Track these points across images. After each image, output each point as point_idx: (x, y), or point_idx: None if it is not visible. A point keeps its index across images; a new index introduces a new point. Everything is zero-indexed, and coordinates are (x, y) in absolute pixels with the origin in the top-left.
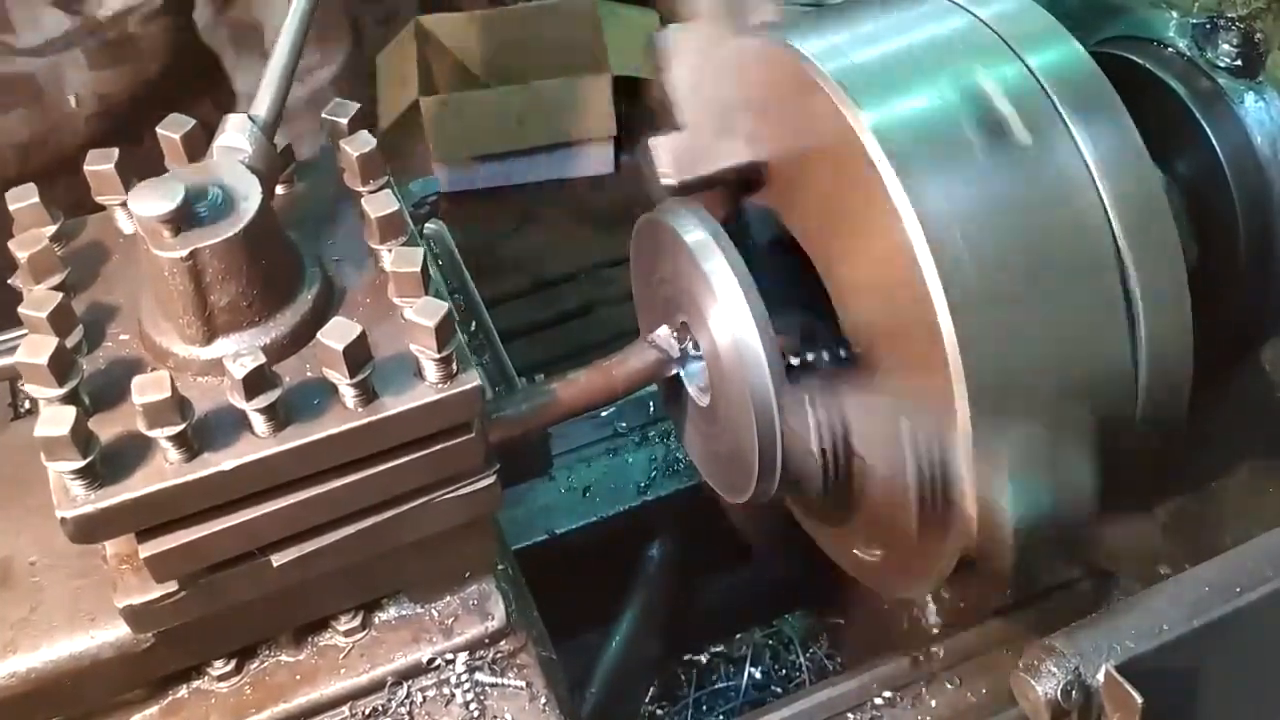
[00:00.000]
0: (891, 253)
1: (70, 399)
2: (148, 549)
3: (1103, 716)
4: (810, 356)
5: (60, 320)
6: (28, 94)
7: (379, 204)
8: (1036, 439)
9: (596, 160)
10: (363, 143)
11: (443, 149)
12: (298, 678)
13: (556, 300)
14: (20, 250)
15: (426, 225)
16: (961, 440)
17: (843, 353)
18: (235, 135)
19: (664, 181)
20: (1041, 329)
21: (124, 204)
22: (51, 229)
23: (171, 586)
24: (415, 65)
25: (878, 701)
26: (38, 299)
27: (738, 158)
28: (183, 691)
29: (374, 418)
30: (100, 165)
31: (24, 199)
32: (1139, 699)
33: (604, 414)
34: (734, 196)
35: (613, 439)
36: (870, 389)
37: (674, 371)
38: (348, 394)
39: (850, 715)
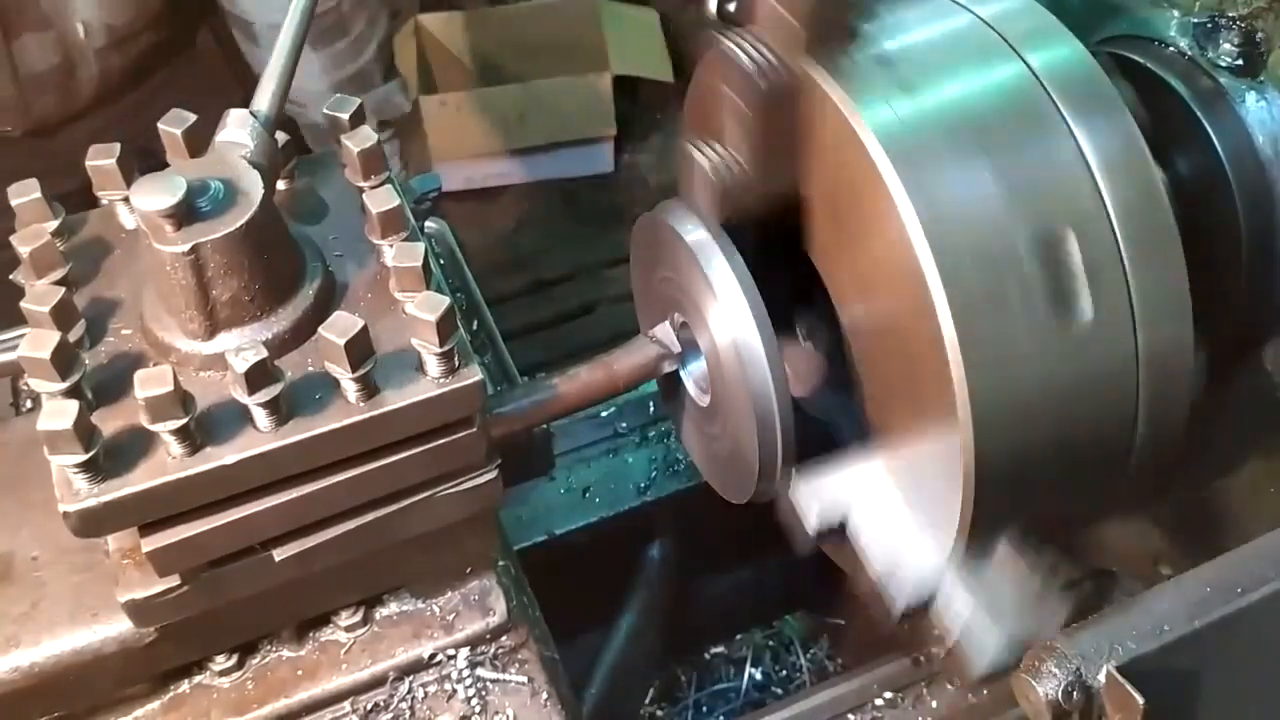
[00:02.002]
0: (892, 250)
1: (73, 393)
2: (150, 543)
3: (1104, 717)
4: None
5: (62, 315)
6: (36, 18)
7: (380, 199)
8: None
9: (596, 160)
10: (364, 138)
11: (442, 148)
12: (299, 673)
13: (556, 300)
14: (22, 245)
15: (428, 224)
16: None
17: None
18: (237, 130)
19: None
20: (1042, 329)
21: (126, 199)
22: (53, 224)
23: (174, 581)
24: (415, 64)
25: (878, 702)
26: (40, 294)
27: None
28: (184, 686)
29: (376, 412)
30: (102, 160)
31: (26, 194)
32: (1140, 700)
33: (604, 414)
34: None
35: (613, 439)
36: (874, 467)
37: (674, 367)
38: (349, 388)
39: (851, 716)
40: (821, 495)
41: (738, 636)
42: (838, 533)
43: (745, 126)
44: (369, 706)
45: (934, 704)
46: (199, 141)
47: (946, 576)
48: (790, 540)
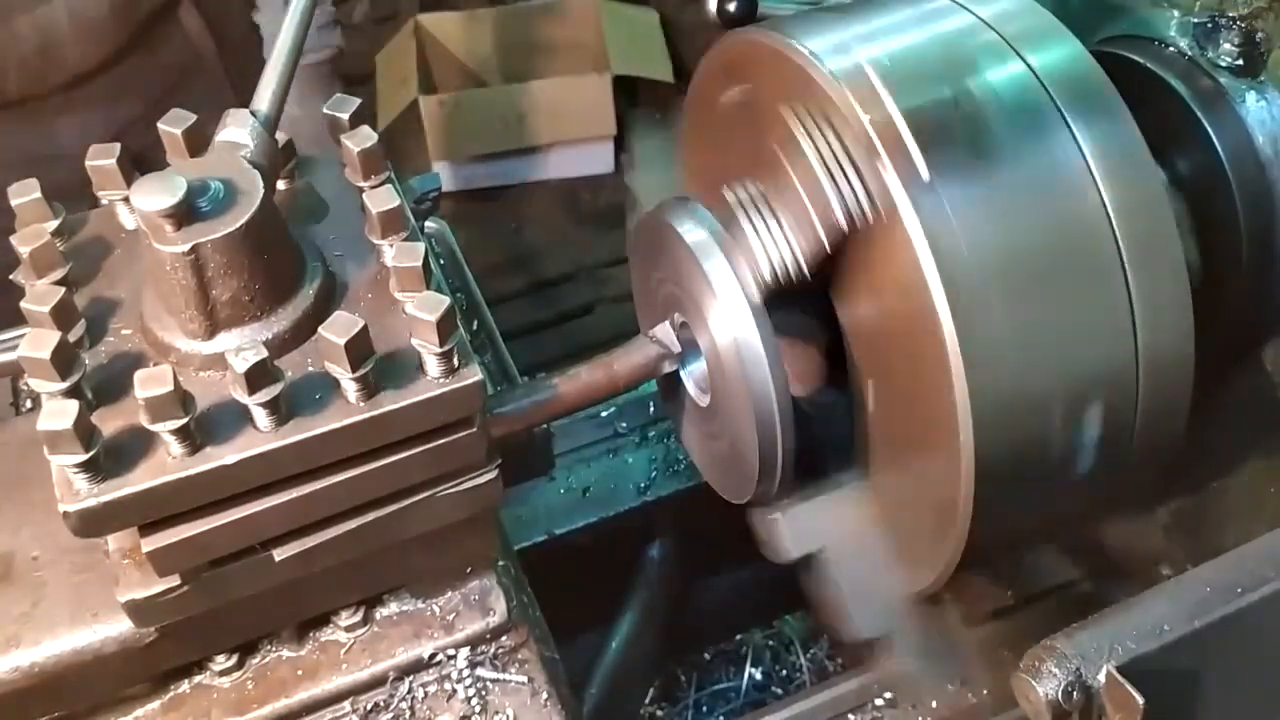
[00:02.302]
0: (892, 251)
1: (73, 393)
2: (150, 543)
3: (1104, 717)
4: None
5: (62, 315)
6: None
7: (380, 199)
8: None
9: (596, 160)
10: (364, 138)
11: (442, 148)
12: (299, 673)
13: (556, 300)
14: (22, 245)
15: (428, 224)
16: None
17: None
18: (237, 130)
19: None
20: (1042, 332)
21: (126, 199)
22: (54, 224)
23: (174, 581)
24: (415, 64)
25: (878, 702)
26: (40, 294)
27: None
28: (184, 686)
29: (376, 412)
30: (102, 160)
31: (26, 194)
32: (1140, 700)
33: (604, 414)
34: None
35: (613, 439)
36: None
37: (674, 367)
38: (350, 388)
39: (851, 716)
40: (798, 524)
41: (738, 636)
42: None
43: (809, 235)
44: (369, 706)
45: (934, 704)
46: (199, 141)
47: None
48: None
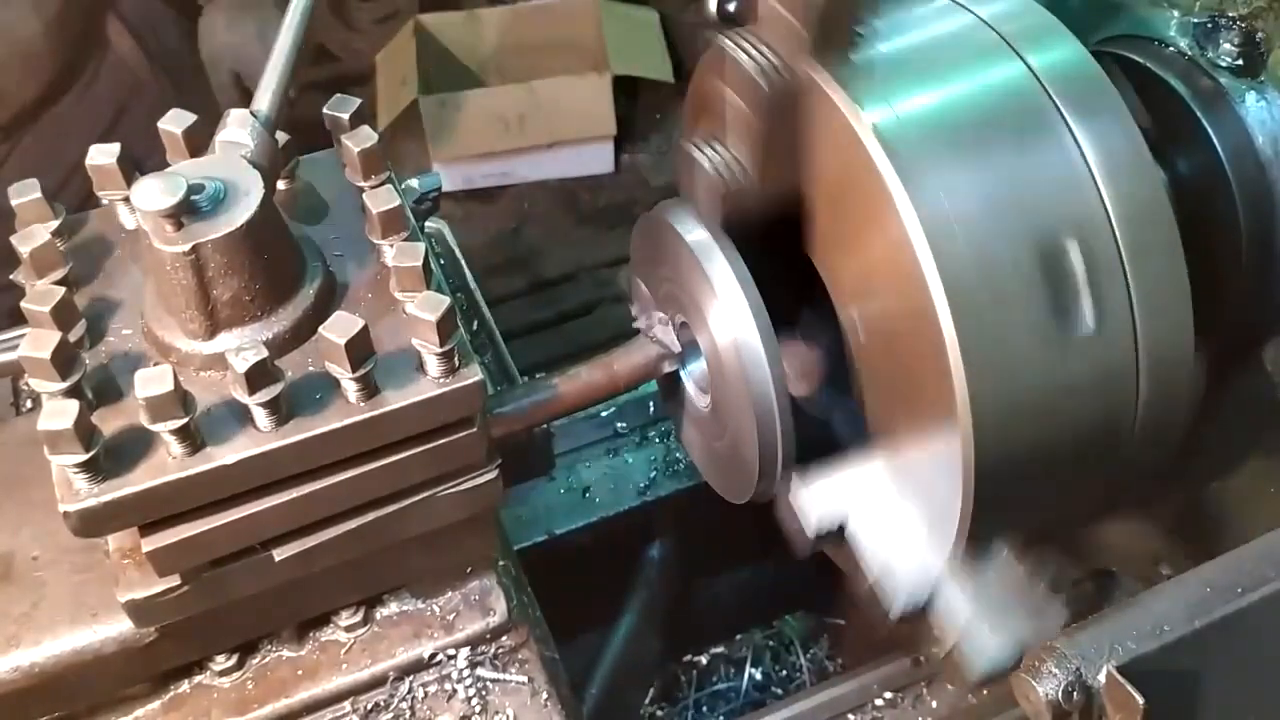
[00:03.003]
0: (890, 248)
1: (73, 393)
2: (150, 543)
3: (1104, 717)
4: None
5: (63, 315)
6: None
7: (380, 199)
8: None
9: (596, 160)
10: (364, 138)
11: (442, 148)
12: (299, 673)
13: (556, 300)
14: (23, 245)
15: (428, 224)
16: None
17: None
18: (237, 130)
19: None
20: (1043, 330)
21: (126, 199)
22: (54, 224)
23: (174, 581)
24: (415, 64)
25: (878, 702)
26: (40, 294)
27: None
28: (184, 686)
29: (376, 412)
30: (103, 160)
31: (26, 194)
32: (1141, 700)
33: (604, 414)
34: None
35: (613, 439)
36: (871, 470)
37: (674, 367)
38: (350, 388)
39: (851, 716)
40: (820, 499)
41: (738, 636)
42: (836, 535)
43: (748, 128)
44: (369, 706)
45: (934, 704)
46: (199, 141)
47: (944, 579)
48: (789, 544)
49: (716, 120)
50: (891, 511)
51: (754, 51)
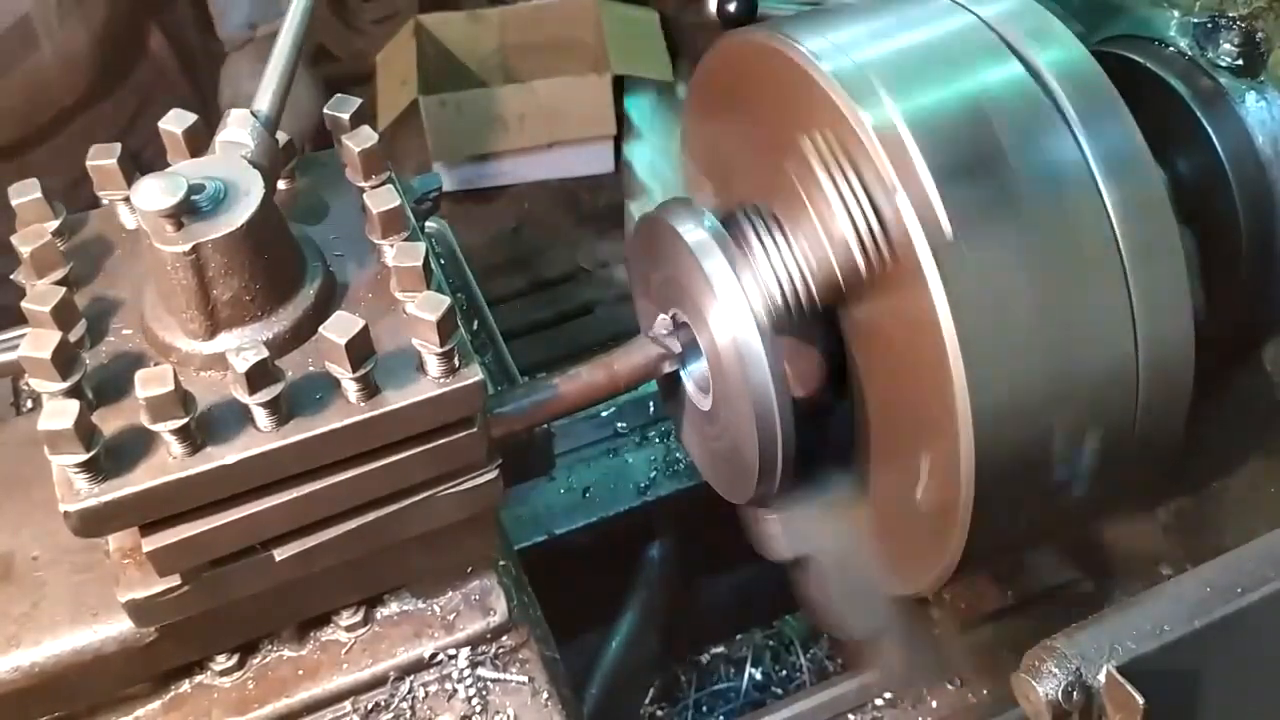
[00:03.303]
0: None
1: (73, 393)
2: (151, 543)
3: (1104, 717)
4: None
5: (63, 315)
6: None
7: (381, 199)
8: None
9: (596, 160)
10: (364, 138)
11: (442, 148)
12: (300, 673)
13: (556, 300)
14: (23, 245)
15: (428, 224)
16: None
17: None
18: (237, 130)
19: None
20: (1042, 331)
21: (127, 198)
22: (54, 223)
23: (174, 581)
24: (415, 64)
25: (878, 702)
26: (41, 294)
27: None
28: (185, 686)
29: (376, 412)
30: (103, 160)
31: (26, 194)
32: (1140, 700)
33: (604, 414)
34: None
35: (613, 439)
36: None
37: (675, 367)
38: (350, 388)
39: (851, 716)
40: (792, 527)
41: (738, 636)
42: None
43: (825, 270)
44: (370, 706)
45: (934, 704)
46: (200, 141)
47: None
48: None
49: (768, 186)
50: (855, 546)
51: None
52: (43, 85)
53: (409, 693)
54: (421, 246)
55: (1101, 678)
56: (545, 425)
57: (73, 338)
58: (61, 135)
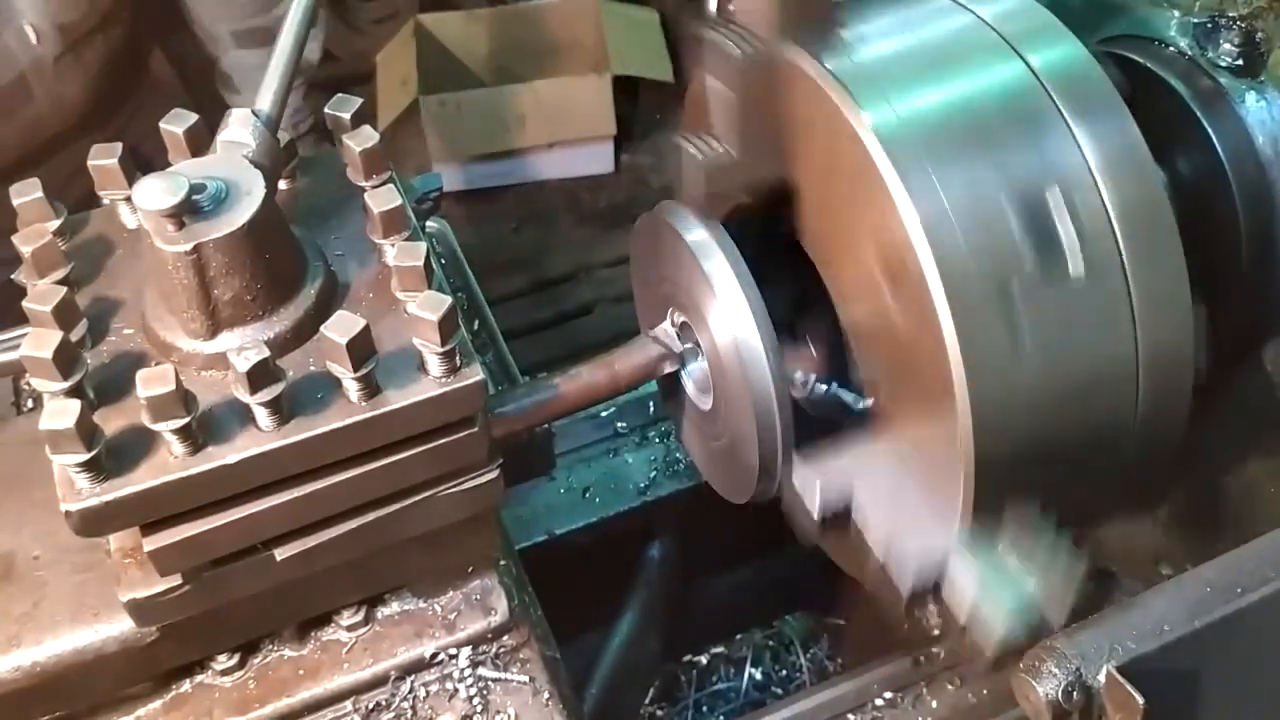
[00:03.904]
0: (890, 247)
1: (75, 392)
2: (152, 543)
3: (1104, 717)
4: (821, 388)
5: (64, 314)
6: None
7: (382, 199)
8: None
9: (596, 160)
10: (365, 138)
11: (442, 148)
12: (301, 672)
13: (556, 300)
14: (24, 245)
15: (429, 224)
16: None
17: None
18: (239, 130)
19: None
20: (1043, 331)
21: (128, 198)
22: (55, 223)
23: (175, 580)
24: (415, 65)
25: (878, 702)
26: (42, 293)
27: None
28: (186, 686)
29: (377, 411)
30: (104, 160)
31: (27, 194)
32: (1140, 700)
33: (604, 414)
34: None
35: (613, 439)
36: (876, 450)
37: (675, 367)
38: (351, 388)
39: (851, 716)
40: (824, 480)
41: (738, 636)
42: (840, 528)
43: (730, 110)
44: (370, 706)
45: (934, 704)
46: (201, 141)
47: (953, 555)
48: (794, 534)
49: (705, 115)
50: (896, 489)
51: (732, 36)
52: (38, 126)
53: (410, 692)
54: (422, 246)
55: (1101, 677)
56: (545, 425)
57: (74, 337)
58: (57, 159)
